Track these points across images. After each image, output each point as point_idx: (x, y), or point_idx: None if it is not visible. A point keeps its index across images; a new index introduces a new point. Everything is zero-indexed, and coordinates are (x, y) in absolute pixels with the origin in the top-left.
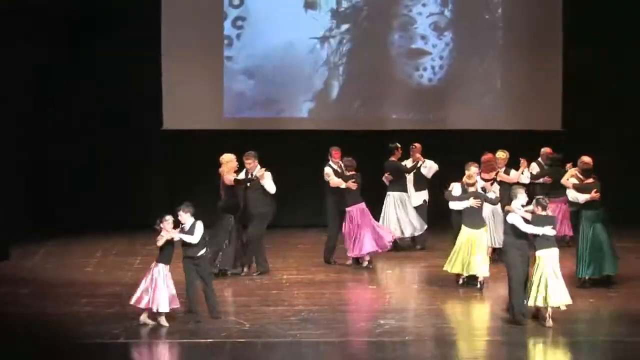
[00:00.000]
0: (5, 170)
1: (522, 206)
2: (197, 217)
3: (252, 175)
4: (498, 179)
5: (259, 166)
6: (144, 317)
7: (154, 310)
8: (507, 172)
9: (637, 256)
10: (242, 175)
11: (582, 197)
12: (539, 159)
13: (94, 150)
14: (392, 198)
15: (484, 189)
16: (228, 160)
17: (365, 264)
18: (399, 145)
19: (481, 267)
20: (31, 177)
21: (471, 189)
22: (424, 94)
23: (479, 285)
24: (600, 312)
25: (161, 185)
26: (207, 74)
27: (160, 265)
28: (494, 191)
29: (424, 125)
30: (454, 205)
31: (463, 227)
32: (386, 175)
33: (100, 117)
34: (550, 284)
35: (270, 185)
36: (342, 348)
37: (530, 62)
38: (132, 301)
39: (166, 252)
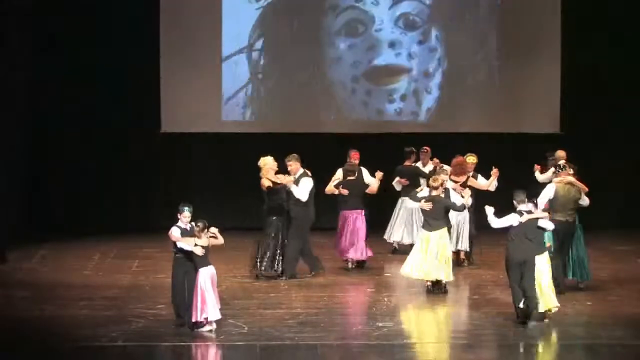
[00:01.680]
0: (2, 173)
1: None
2: (195, 219)
3: (294, 178)
4: (468, 183)
5: (301, 170)
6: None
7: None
8: (474, 177)
9: (635, 259)
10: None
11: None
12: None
13: (91, 152)
14: (406, 203)
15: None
16: (264, 163)
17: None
18: (414, 150)
19: (440, 271)
20: (29, 180)
21: (433, 192)
22: (421, 97)
23: (443, 289)
24: (599, 315)
25: (159, 188)
26: (205, 77)
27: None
28: (470, 196)
29: (420, 129)
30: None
31: (420, 229)
32: (399, 179)
33: (98, 120)
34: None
35: (297, 192)
36: (340, 351)
37: (529, 64)
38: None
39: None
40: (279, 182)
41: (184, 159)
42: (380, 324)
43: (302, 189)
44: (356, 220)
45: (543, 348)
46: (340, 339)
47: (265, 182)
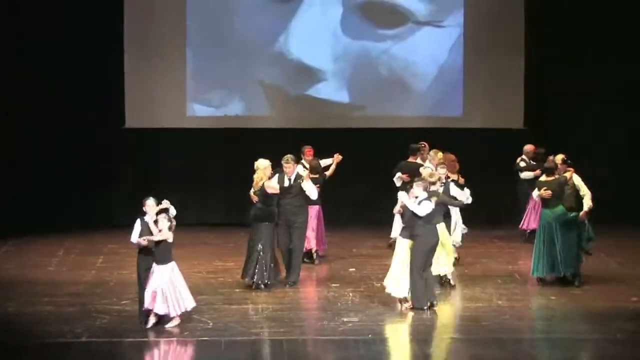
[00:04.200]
0: None
1: None
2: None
3: (290, 180)
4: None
5: (297, 171)
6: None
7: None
8: None
9: (598, 254)
10: (274, 180)
11: None
12: (523, 156)
13: (54, 148)
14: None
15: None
16: (265, 166)
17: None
18: (420, 147)
19: (444, 266)
20: None
21: (432, 188)
22: (385, 91)
23: (451, 283)
24: (562, 309)
25: (123, 184)
26: (170, 72)
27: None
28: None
29: (385, 124)
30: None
31: None
32: (402, 175)
33: (61, 116)
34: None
35: (313, 190)
36: (305, 346)
37: (492, 60)
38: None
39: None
40: (301, 179)
41: (148, 154)
42: (345, 319)
43: (313, 187)
44: (318, 214)
45: (511, 342)
46: (306, 334)
47: (277, 186)
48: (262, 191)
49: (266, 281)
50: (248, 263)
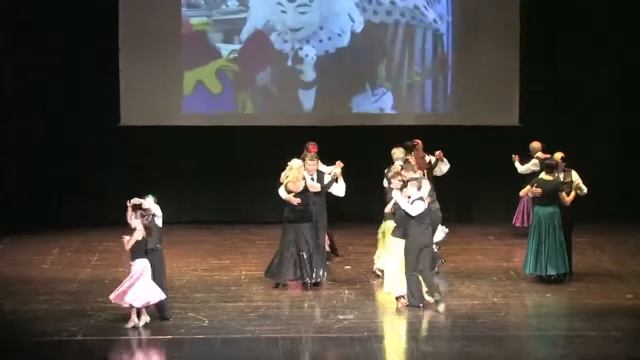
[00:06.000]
0: None
1: None
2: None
3: (312, 178)
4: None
5: (320, 168)
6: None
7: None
8: None
9: (594, 251)
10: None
11: None
12: (539, 154)
13: (49, 146)
14: None
15: None
16: (300, 165)
17: None
18: (414, 143)
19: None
20: None
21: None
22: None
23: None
24: (558, 307)
25: (118, 182)
26: (166, 70)
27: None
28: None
29: (379, 122)
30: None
31: None
32: None
33: (56, 114)
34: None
35: (342, 189)
36: (300, 344)
37: (487, 57)
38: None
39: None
40: (333, 177)
41: (143, 152)
42: (341, 317)
43: (343, 185)
44: None
45: (507, 339)
46: (301, 331)
47: (315, 184)
48: (304, 192)
49: (319, 279)
50: (286, 263)
